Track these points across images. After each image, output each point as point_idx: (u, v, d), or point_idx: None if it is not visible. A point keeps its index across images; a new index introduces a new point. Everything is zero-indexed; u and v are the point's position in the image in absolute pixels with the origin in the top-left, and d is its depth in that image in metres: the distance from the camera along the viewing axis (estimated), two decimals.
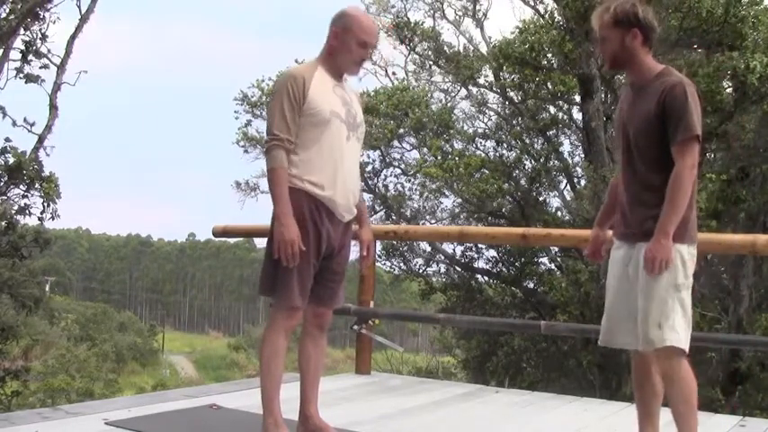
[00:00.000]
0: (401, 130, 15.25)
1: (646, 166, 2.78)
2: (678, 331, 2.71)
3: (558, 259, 14.44)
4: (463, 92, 16.52)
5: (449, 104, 16.59)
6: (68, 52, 11.00)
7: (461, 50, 16.16)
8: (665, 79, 2.77)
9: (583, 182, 13.68)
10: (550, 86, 14.55)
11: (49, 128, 10.80)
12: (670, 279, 2.71)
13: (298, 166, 3.01)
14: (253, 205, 16.21)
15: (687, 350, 2.74)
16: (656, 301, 2.71)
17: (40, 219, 10.61)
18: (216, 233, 5.77)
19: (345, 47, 3.08)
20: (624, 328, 2.88)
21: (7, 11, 10.32)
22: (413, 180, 15.52)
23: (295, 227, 2.93)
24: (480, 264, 15.13)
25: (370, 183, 15.51)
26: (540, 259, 14.90)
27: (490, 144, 15.69)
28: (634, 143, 2.81)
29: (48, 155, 10.72)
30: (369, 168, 15.54)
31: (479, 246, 14.68)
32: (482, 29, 16.49)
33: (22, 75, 10.69)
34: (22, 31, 10.59)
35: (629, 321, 2.85)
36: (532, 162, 15.02)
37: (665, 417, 3.00)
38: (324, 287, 3.15)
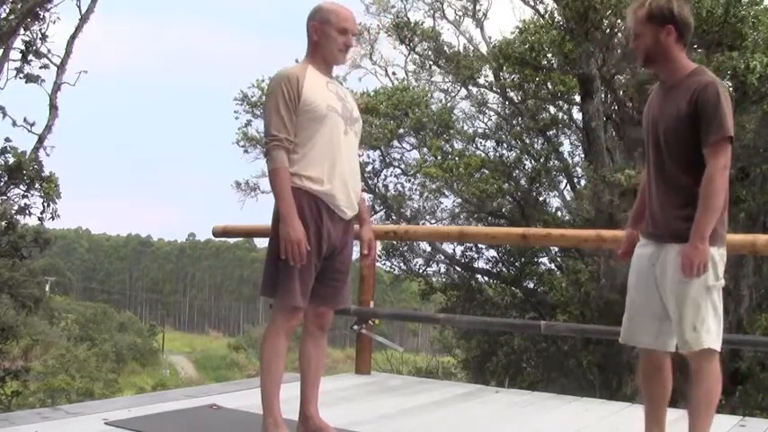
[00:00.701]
0: (401, 130, 15.25)
1: (675, 166, 2.75)
2: (712, 332, 2.72)
3: (558, 259, 14.45)
4: (463, 92, 16.54)
5: (449, 104, 16.60)
6: (68, 52, 11.01)
7: (461, 50, 16.16)
8: (697, 78, 2.74)
9: (583, 182, 13.68)
10: (550, 86, 14.54)
11: (49, 128, 10.81)
12: (701, 281, 2.70)
13: (296, 164, 3.01)
14: (253, 205, 16.21)
15: (719, 349, 2.75)
16: (689, 303, 2.70)
17: (40, 219, 10.63)
18: (216, 233, 5.77)
19: (327, 37, 3.11)
20: (645, 327, 2.88)
21: (7, 11, 10.32)
22: (413, 180, 15.52)
23: (300, 226, 2.94)
24: (480, 264, 15.15)
25: (370, 183, 15.50)
26: (540, 259, 14.91)
27: (490, 144, 15.70)
28: (664, 142, 2.78)
29: (48, 155, 10.75)
30: (369, 168, 15.54)
31: (479, 246, 14.68)
32: (482, 29, 16.51)
33: (22, 75, 10.70)
34: (22, 31, 10.60)
35: (651, 320, 2.85)
36: (532, 162, 15.02)
37: (670, 415, 3.00)
38: (327, 286, 3.14)
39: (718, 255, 2.74)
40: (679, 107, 2.73)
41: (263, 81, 15.23)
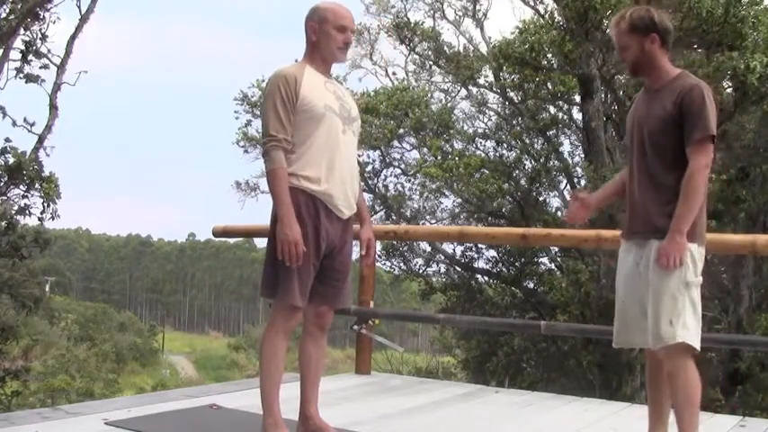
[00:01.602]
0: (401, 130, 15.26)
1: (659, 165, 2.81)
2: (689, 328, 2.74)
3: (558, 259, 14.44)
4: (463, 92, 16.56)
5: (449, 104, 16.61)
6: (68, 52, 11.01)
7: (461, 50, 16.18)
8: (682, 81, 2.82)
9: (583, 182, 13.68)
10: (550, 86, 14.55)
11: (49, 128, 10.81)
12: (680, 277, 2.73)
13: (294, 163, 3.01)
14: (253, 205, 16.23)
15: (698, 348, 2.76)
16: (666, 298, 2.74)
17: (40, 219, 10.63)
18: (216, 233, 5.77)
19: (326, 36, 3.11)
20: (638, 327, 2.90)
21: (7, 11, 10.32)
22: (413, 180, 15.53)
23: (298, 226, 2.94)
24: (480, 264, 15.16)
25: (370, 183, 15.51)
26: (540, 259, 14.91)
27: (490, 144, 15.72)
28: (648, 142, 2.84)
29: (48, 155, 10.75)
30: (369, 168, 15.54)
31: (479, 246, 14.68)
32: (482, 29, 16.55)
33: (22, 75, 10.70)
34: (22, 31, 10.60)
35: (642, 320, 2.87)
36: (532, 162, 15.02)
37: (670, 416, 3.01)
38: (328, 286, 3.14)
39: (698, 252, 2.78)
40: (665, 108, 2.80)
41: (262, 81, 15.24)
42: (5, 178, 10.43)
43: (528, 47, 12.95)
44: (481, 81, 15.65)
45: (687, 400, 2.76)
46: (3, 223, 10.44)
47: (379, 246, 8.49)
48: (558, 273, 14.40)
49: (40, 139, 10.70)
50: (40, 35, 10.70)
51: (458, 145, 15.28)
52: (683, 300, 2.74)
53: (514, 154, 15.20)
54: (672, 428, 2.96)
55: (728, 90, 11.39)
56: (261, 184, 15.98)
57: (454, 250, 15.14)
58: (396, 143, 15.70)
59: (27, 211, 10.60)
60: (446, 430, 3.74)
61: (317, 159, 3.03)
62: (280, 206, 2.95)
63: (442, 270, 15.87)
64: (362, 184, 11.99)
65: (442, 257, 15.42)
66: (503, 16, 26.33)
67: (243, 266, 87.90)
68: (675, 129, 2.76)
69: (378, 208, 15.43)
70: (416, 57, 16.70)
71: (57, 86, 10.89)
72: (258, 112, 15.40)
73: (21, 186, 10.52)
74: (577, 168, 14.98)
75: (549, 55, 13.24)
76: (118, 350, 47.94)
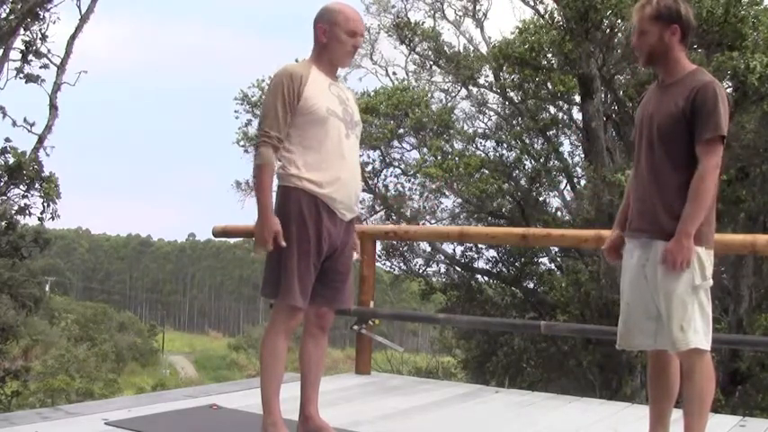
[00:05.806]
0: (401, 130, 15.25)
1: (667, 163, 2.76)
2: (699, 332, 2.72)
3: (558, 259, 14.44)
4: (463, 92, 16.54)
5: (449, 104, 16.59)
6: (68, 52, 11.02)
7: (461, 50, 16.17)
8: (696, 78, 2.76)
9: (583, 182, 13.69)
10: (550, 86, 14.55)
11: (49, 128, 10.82)
12: (688, 281, 2.71)
13: (296, 165, 3.01)
14: (253, 205, 16.16)
15: (708, 348, 2.75)
16: (675, 303, 2.71)
17: (39, 219, 10.64)
18: (216, 233, 5.77)
19: (336, 39, 3.10)
20: (642, 330, 2.88)
21: (7, 11, 10.33)
22: (413, 180, 15.52)
23: (275, 221, 2.95)
24: (480, 264, 15.14)
25: (370, 183, 15.50)
26: (540, 259, 14.90)
27: (490, 144, 15.71)
28: (657, 138, 2.78)
29: (48, 155, 10.76)
30: (369, 168, 15.52)
31: (479, 246, 14.67)
32: (482, 29, 16.52)
33: (22, 75, 10.72)
34: (22, 31, 10.61)
35: (647, 322, 2.85)
36: (532, 162, 15.02)
37: (672, 415, 3.00)
38: (329, 287, 3.14)
39: (705, 255, 2.75)
40: (677, 104, 2.74)
41: (263, 81, 15.25)
42: (5, 178, 10.43)
43: (528, 47, 12.95)
44: (481, 81, 15.64)
45: (701, 400, 2.75)
46: (3, 223, 10.45)
47: (379, 246, 8.50)
48: (558, 273, 14.40)
49: (40, 139, 10.71)
50: (40, 35, 10.71)
51: (458, 145, 15.27)
52: (693, 304, 2.72)
53: (514, 154, 15.20)
54: (673, 428, 2.97)
55: (728, 90, 11.39)
56: None
57: (454, 250, 15.14)
58: (396, 143, 15.69)
59: (27, 211, 10.61)
60: (446, 430, 3.74)
61: (320, 163, 3.03)
62: (260, 200, 2.99)
63: (442, 270, 15.87)
64: (362, 184, 12.00)
65: (442, 257, 15.40)
66: (503, 16, 26.41)
67: (243, 266, 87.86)
68: (686, 126, 2.71)
69: (378, 208, 15.42)
70: (416, 57, 16.70)
71: (57, 86, 10.90)
72: (258, 112, 15.42)
73: (21, 186, 10.53)
74: (577, 168, 14.98)
75: (549, 55, 13.23)
76: (118, 350, 47.85)
